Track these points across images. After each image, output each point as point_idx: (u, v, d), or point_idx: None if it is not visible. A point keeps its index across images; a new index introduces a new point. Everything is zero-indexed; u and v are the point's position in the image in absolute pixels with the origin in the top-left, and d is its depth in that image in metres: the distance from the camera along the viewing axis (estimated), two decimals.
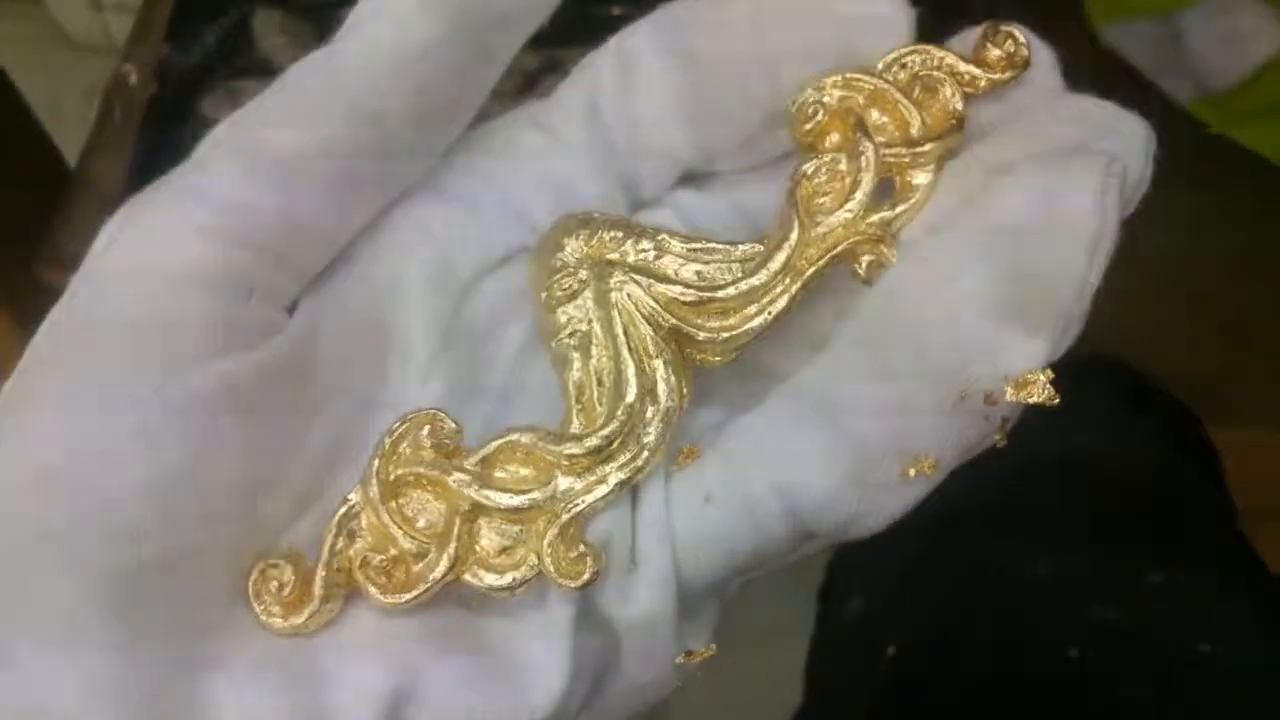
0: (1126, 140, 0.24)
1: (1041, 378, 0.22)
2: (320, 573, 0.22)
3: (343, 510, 0.23)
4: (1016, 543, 0.50)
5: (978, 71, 0.25)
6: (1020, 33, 0.25)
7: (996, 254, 0.23)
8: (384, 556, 0.23)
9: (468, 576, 0.23)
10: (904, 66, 0.25)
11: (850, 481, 0.23)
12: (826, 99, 0.25)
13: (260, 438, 0.22)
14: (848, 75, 0.25)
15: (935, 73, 0.25)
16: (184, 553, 0.21)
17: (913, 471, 0.23)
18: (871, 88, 0.25)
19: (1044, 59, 0.26)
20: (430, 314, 0.26)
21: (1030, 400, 0.22)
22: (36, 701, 0.19)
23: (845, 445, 0.23)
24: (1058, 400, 0.22)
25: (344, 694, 0.21)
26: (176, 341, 0.21)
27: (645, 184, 0.27)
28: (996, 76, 0.25)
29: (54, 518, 0.20)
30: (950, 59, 0.25)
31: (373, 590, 0.22)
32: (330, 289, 0.25)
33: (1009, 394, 0.22)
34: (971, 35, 0.26)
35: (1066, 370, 0.24)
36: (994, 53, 0.25)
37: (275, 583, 0.22)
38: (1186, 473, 0.57)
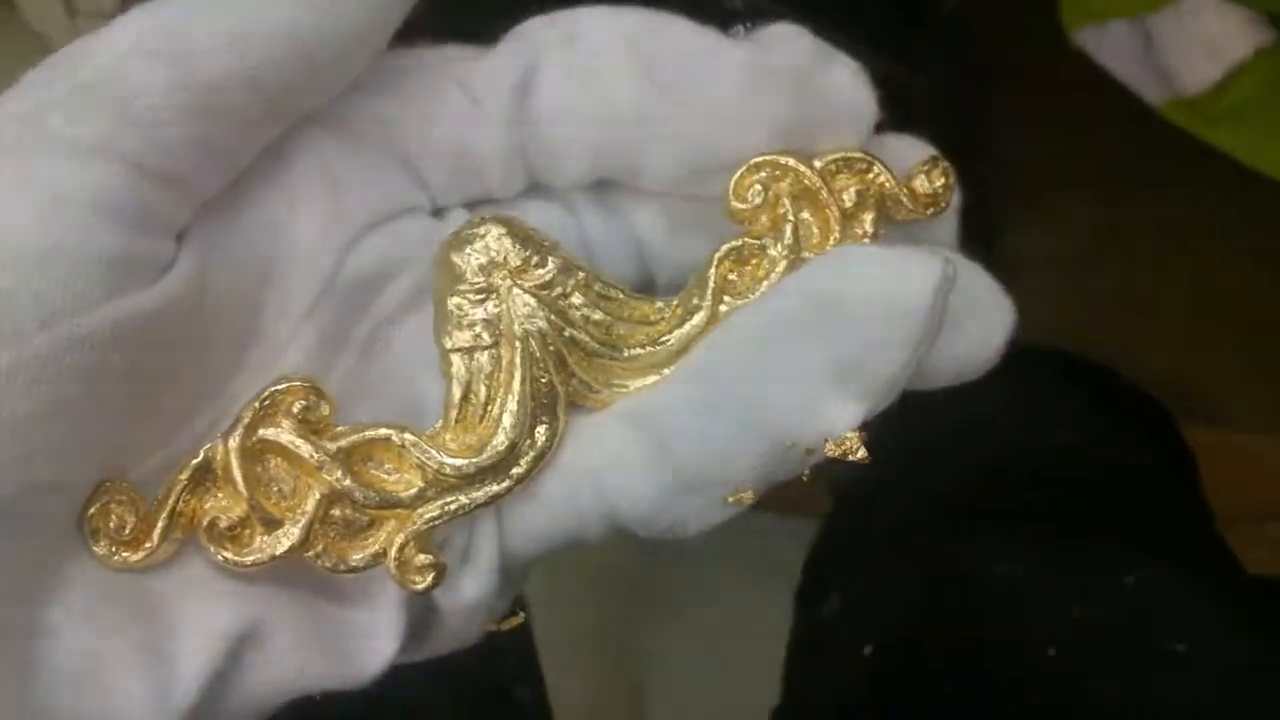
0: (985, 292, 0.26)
1: (858, 438, 0.24)
2: (162, 517, 0.22)
3: (196, 460, 0.23)
4: (992, 542, 0.50)
5: (904, 201, 0.26)
6: (952, 176, 0.26)
7: (836, 323, 0.23)
8: (230, 519, 0.23)
9: (307, 554, 0.23)
10: (846, 167, 0.26)
11: (670, 497, 0.24)
12: (768, 184, 0.25)
13: (137, 380, 0.22)
14: (795, 165, 0.25)
15: (869, 189, 0.26)
16: (35, 489, 0.20)
17: (730, 499, 0.24)
18: (813, 187, 0.25)
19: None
20: (314, 259, 0.25)
21: (846, 458, 0.24)
22: None
23: (668, 467, 0.24)
24: (867, 459, 0.24)
25: (185, 633, 0.22)
26: (74, 276, 0.20)
27: (554, 179, 0.27)
28: (916, 212, 0.26)
29: None
30: (885, 179, 0.26)
31: (212, 549, 0.23)
32: (219, 221, 0.24)
33: (828, 450, 0.24)
34: (900, 145, 0.27)
35: (1042, 371, 0.25)
36: (923, 186, 0.26)
37: (115, 519, 0.22)
38: (1161, 472, 0.58)
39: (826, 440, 0.24)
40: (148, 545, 0.22)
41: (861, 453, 0.24)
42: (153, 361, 0.22)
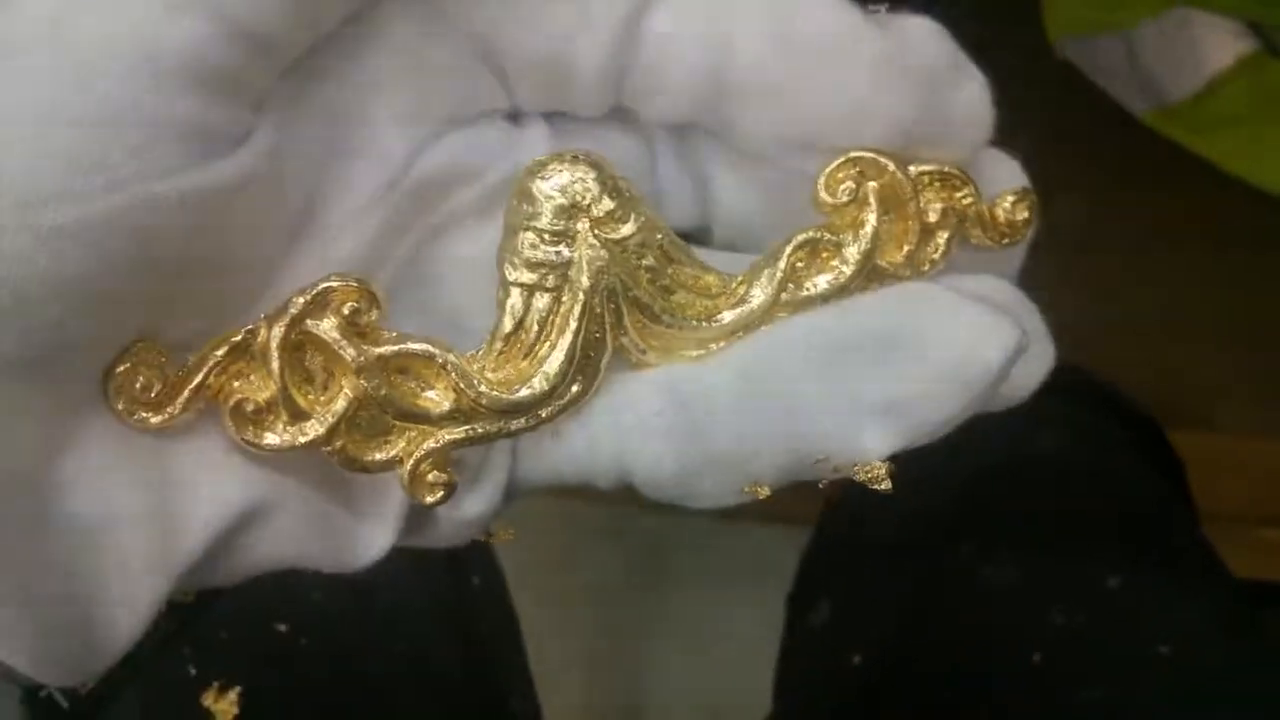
0: (1035, 334, 0.25)
1: (886, 469, 0.24)
2: (189, 386, 0.22)
3: (236, 339, 0.23)
4: (979, 548, 0.51)
5: (983, 226, 0.25)
6: (1035, 212, 0.26)
7: (901, 363, 0.23)
8: (258, 403, 0.23)
9: (326, 448, 0.23)
10: (941, 180, 0.25)
11: (690, 473, 0.24)
12: (860, 181, 0.25)
13: (194, 250, 0.21)
14: (894, 169, 0.25)
15: (953, 206, 0.25)
16: (68, 345, 0.20)
17: (746, 489, 0.25)
18: (904, 195, 0.25)
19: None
20: (387, 149, 0.25)
21: (871, 485, 0.24)
22: None
23: (694, 449, 0.24)
24: (891, 490, 0.24)
25: (195, 499, 0.22)
26: (149, 140, 0.20)
27: (645, 111, 0.26)
28: (991, 239, 0.26)
29: None
30: (972, 201, 0.25)
31: (234, 428, 0.23)
32: (294, 95, 0.23)
33: (855, 474, 0.24)
34: (998, 167, 0.26)
35: None
36: (1005, 215, 0.26)
37: (142, 380, 0.22)
38: (1147, 477, 0.58)
39: (856, 464, 0.24)
40: (169, 410, 0.22)
41: (886, 484, 0.24)
42: (213, 234, 0.21)
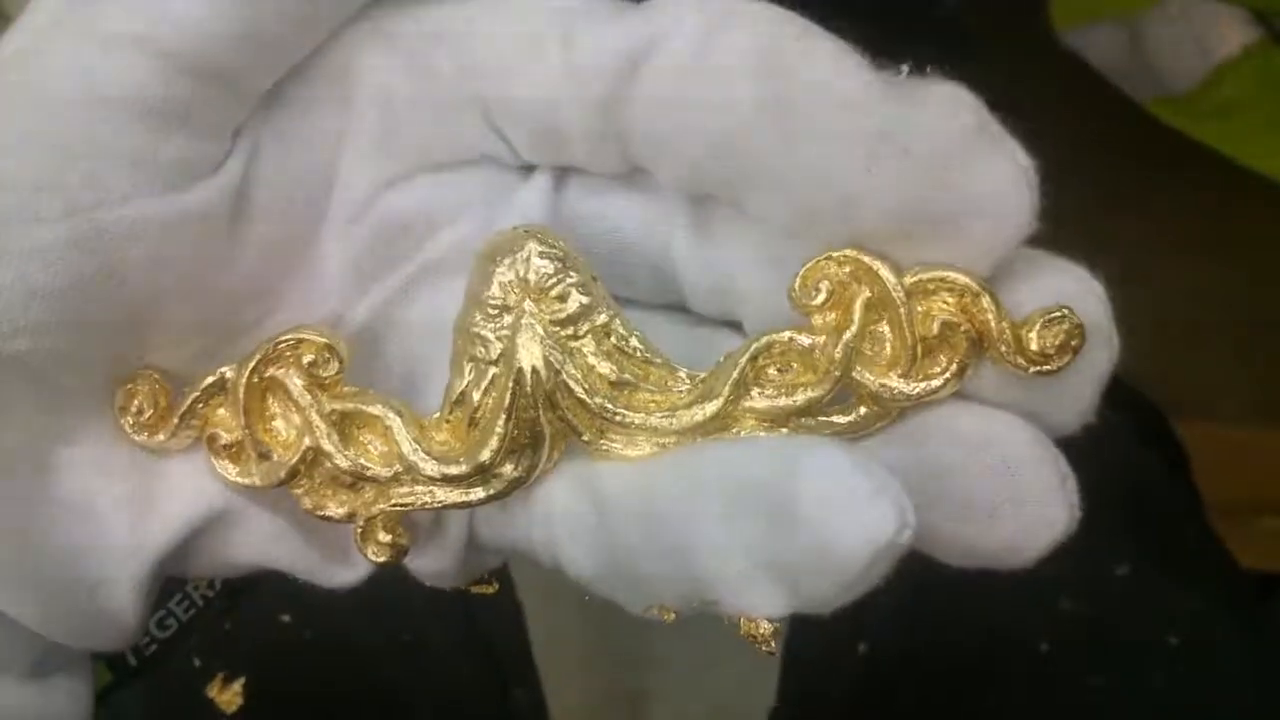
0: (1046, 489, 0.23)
1: (773, 631, 0.22)
2: (176, 416, 0.24)
3: (211, 380, 0.24)
4: (745, 634, 0.50)
5: (1006, 349, 0.21)
6: (1080, 338, 0.21)
7: (783, 528, 0.21)
8: (230, 438, 0.24)
9: (293, 490, 0.24)
10: (945, 288, 0.22)
11: (603, 578, 0.24)
12: (846, 284, 0.22)
13: (165, 272, 0.23)
14: (881, 271, 0.22)
15: (963, 323, 0.22)
16: (52, 354, 0.22)
17: (653, 610, 0.23)
18: (894, 301, 0.22)
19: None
20: (360, 183, 0.25)
21: (751, 641, 0.22)
22: None
23: (606, 556, 0.23)
24: (772, 654, 0.22)
25: (175, 492, 0.24)
26: (100, 170, 0.21)
27: (656, 174, 0.24)
28: (1016, 365, 0.22)
29: None
30: (991, 317, 0.21)
31: (212, 459, 0.24)
32: (273, 126, 0.24)
33: (740, 624, 0.22)
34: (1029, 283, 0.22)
35: None
36: (1035, 340, 0.21)
37: (136, 403, 0.24)
38: (1152, 466, 0.58)
39: (742, 615, 0.22)
40: (159, 436, 0.24)
41: (769, 647, 0.22)
42: (183, 262, 0.23)
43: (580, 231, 0.25)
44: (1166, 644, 0.45)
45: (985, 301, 0.21)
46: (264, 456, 0.24)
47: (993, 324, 0.21)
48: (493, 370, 0.23)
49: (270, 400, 0.24)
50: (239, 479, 0.24)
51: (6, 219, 0.21)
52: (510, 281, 0.23)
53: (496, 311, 0.23)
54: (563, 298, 0.23)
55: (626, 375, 0.23)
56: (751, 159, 0.22)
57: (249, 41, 0.22)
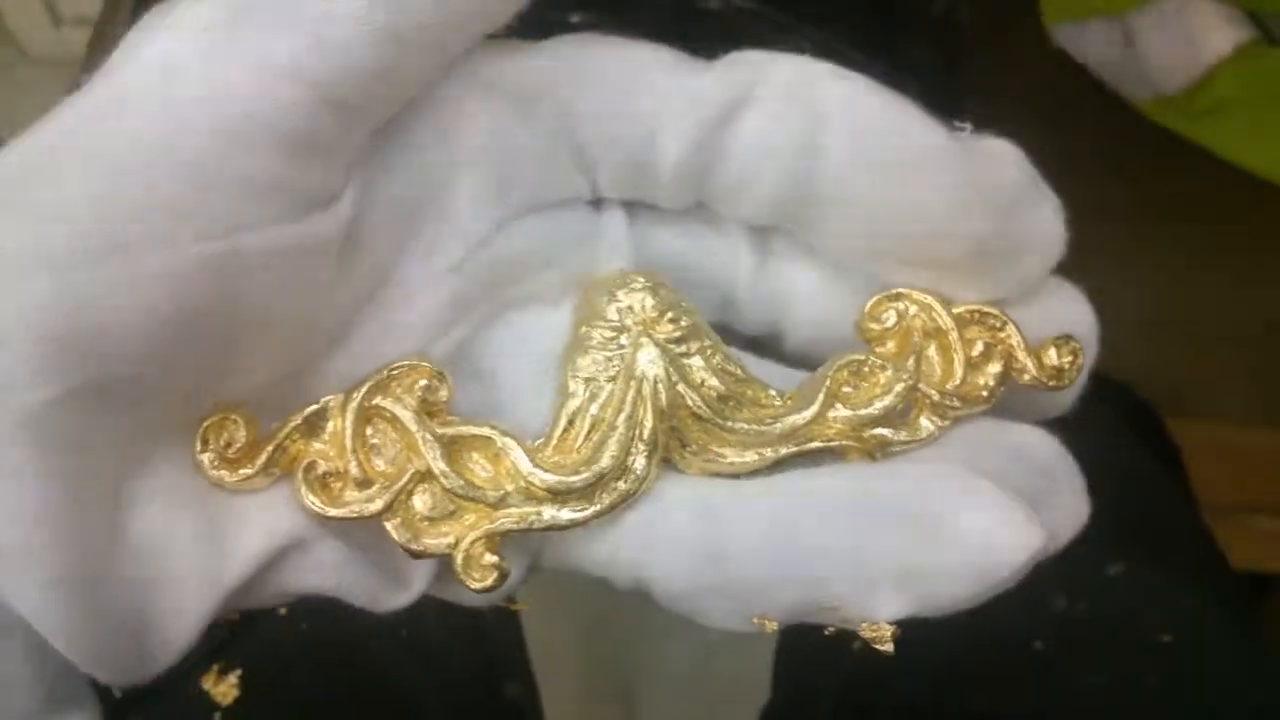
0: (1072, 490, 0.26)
1: (892, 633, 0.24)
2: (268, 448, 0.24)
3: (314, 408, 0.24)
4: (866, 637, 0.50)
5: (1030, 367, 0.26)
6: (1081, 357, 0.26)
7: (925, 543, 0.24)
8: (328, 466, 0.24)
9: (387, 522, 0.24)
10: (986, 318, 0.26)
11: (704, 593, 0.25)
12: (905, 312, 0.26)
13: (275, 302, 0.22)
14: (934, 305, 0.26)
15: (998, 345, 0.26)
16: (147, 380, 0.21)
17: (755, 620, 0.25)
18: (944, 328, 0.26)
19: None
20: (468, 222, 0.25)
21: (873, 645, 0.24)
22: None
23: (711, 572, 0.24)
24: (892, 653, 0.24)
25: (246, 526, 0.24)
26: (241, 196, 0.21)
27: (725, 211, 0.27)
28: (1039, 381, 0.26)
29: (42, 323, 0.20)
30: (1015, 343, 0.26)
31: (304, 491, 0.24)
32: (382, 160, 0.24)
33: (860, 630, 0.24)
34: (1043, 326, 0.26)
35: None
36: (1050, 359, 0.26)
37: (226, 436, 0.24)
38: (1147, 466, 0.58)
39: (862, 624, 0.24)
40: (246, 470, 0.24)
41: (889, 647, 0.24)
42: (292, 291, 0.23)
43: (651, 259, 0.28)
44: (1160, 643, 0.45)
45: (1010, 329, 0.26)
46: (364, 485, 0.24)
47: (1017, 348, 0.26)
48: (610, 386, 0.25)
49: (374, 428, 0.24)
50: (330, 509, 0.24)
51: (137, 242, 0.20)
52: (624, 308, 0.26)
53: (613, 334, 0.26)
54: (674, 321, 0.26)
55: (730, 390, 0.26)
56: (839, 202, 0.25)
57: (385, 77, 0.22)
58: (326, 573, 0.25)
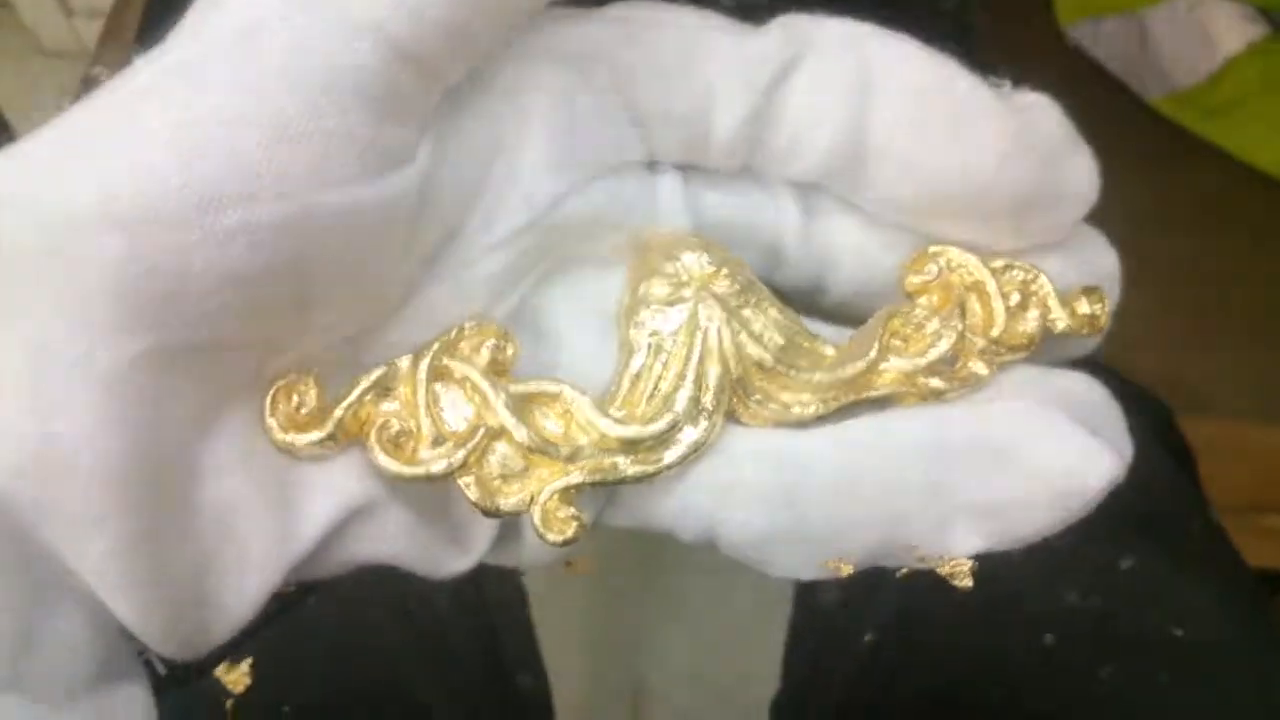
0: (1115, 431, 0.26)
1: (969, 567, 0.25)
2: (338, 411, 0.24)
3: (384, 370, 0.24)
4: (944, 574, 0.50)
5: (1063, 316, 0.27)
6: (1109, 303, 0.27)
7: (1003, 476, 0.24)
8: (400, 426, 0.24)
9: (461, 480, 0.24)
10: (1017, 271, 0.27)
11: (776, 541, 0.25)
12: (944, 267, 0.27)
13: (345, 263, 0.22)
14: (971, 260, 0.27)
15: (1034, 295, 0.27)
16: (224, 343, 0.21)
17: (828, 565, 0.25)
18: (982, 280, 0.27)
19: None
20: (533, 189, 0.25)
21: (953, 581, 0.25)
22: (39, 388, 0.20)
23: (785, 518, 0.25)
24: (969, 588, 0.25)
25: (315, 492, 0.24)
26: (322, 154, 0.21)
27: (775, 171, 0.27)
28: (1073, 328, 0.27)
29: (118, 282, 0.20)
30: (1048, 292, 0.27)
31: (378, 451, 0.24)
32: (452, 124, 0.24)
33: (939, 569, 0.25)
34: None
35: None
36: (1083, 309, 0.27)
37: (296, 398, 0.24)
38: (1157, 461, 0.58)
39: (942, 560, 0.25)
40: (316, 433, 0.24)
41: (967, 581, 0.25)
42: (364, 248, 0.22)
43: (704, 219, 0.28)
44: (1172, 637, 0.45)
45: (1042, 280, 0.27)
46: (437, 444, 0.24)
47: (1050, 298, 0.27)
48: (673, 341, 0.26)
49: (444, 389, 0.24)
50: (405, 469, 0.24)
51: (215, 200, 0.20)
52: (682, 266, 0.26)
53: (673, 290, 0.26)
54: (730, 277, 0.26)
55: (789, 341, 0.26)
56: (889, 159, 0.25)
57: (460, 34, 0.22)
58: (392, 540, 0.25)
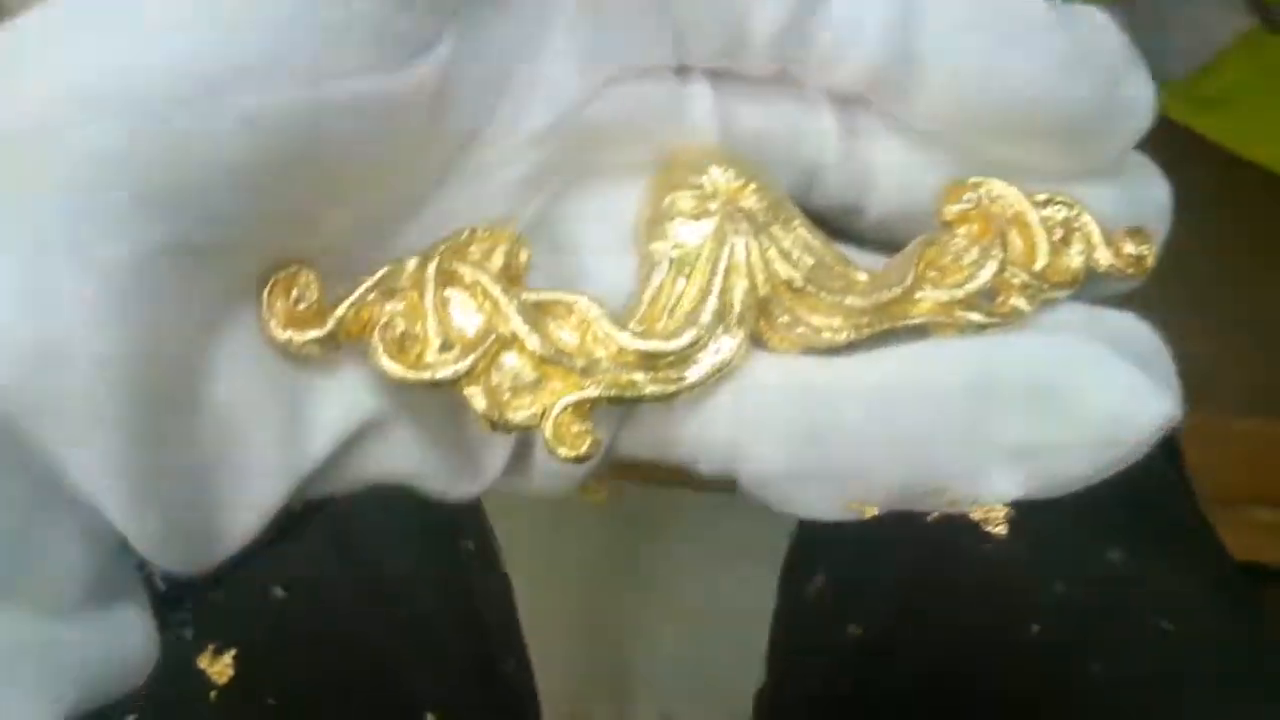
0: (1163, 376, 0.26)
1: (1005, 514, 0.24)
2: (339, 310, 0.23)
3: (389, 268, 0.23)
4: (977, 520, 0.50)
5: (1108, 255, 0.26)
6: (1154, 244, 0.27)
7: (1047, 416, 0.23)
8: (405, 328, 0.23)
9: (468, 389, 0.23)
10: (1059, 207, 0.26)
11: (798, 477, 0.24)
12: (984, 197, 0.26)
13: (359, 156, 0.21)
14: (1011, 192, 0.26)
15: (1077, 231, 0.26)
16: (231, 239, 0.21)
17: (852, 505, 0.24)
18: (1024, 213, 0.26)
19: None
20: (561, 87, 0.24)
21: (984, 527, 0.24)
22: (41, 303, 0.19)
23: (809, 454, 0.24)
24: (1004, 535, 0.24)
25: (326, 403, 0.23)
26: (339, 40, 0.20)
27: (816, 79, 0.25)
28: (1118, 268, 0.26)
29: (122, 169, 0.19)
30: (1093, 230, 0.26)
31: (381, 353, 0.23)
32: (475, 16, 0.23)
33: (971, 511, 0.24)
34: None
35: None
36: (1128, 249, 0.26)
37: (296, 292, 0.22)
38: (1145, 453, 0.58)
39: (975, 502, 0.24)
40: (315, 331, 0.22)
41: (1002, 528, 0.24)
42: (378, 143, 0.22)
43: (735, 133, 0.26)
44: (1159, 629, 0.45)
45: (1086, 216, 0.26)
46: (444, 349, 0.23)
47: (1095, 234, 0.26)
48: (699, 256, 0.25)
49: (453, 293, 0.23)
50: (409, 373, 0.23)
51: (225, 85, 0.19)
52: (709, 180, 0.25)
53: (698, 203, 0.25)
54: (759, 193, 0.25)
55: (820, 261, 0.25)
56: (939, 69, 0.24)
57: None
58: (403, 456, 0.24)
